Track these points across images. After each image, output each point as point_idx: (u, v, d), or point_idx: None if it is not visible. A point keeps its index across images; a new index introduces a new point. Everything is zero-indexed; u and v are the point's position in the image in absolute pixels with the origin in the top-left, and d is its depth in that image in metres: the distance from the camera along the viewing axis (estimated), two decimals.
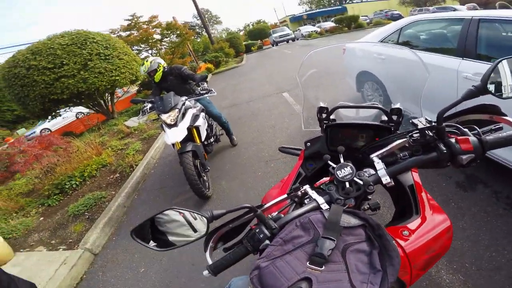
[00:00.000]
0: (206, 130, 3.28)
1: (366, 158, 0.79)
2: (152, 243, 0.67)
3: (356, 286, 0.50)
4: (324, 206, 0.67)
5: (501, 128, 0.71)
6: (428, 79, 0.96)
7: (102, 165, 4.50)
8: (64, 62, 6.60)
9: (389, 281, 0.52)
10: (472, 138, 0.66)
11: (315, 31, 24.37)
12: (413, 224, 0.71)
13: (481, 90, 0.65)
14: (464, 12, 2.68)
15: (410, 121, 0.73)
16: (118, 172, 4.15)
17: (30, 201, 4.07)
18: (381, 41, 3.39)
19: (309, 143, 1.00)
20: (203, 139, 3.08)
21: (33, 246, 2.92)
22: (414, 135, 0.73)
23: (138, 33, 12.74)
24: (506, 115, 0.71)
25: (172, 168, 4.06)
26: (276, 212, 0.72)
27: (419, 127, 0.71)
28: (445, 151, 0.66)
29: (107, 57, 7.35)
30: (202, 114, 3.28)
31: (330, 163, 0.76)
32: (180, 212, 0.64)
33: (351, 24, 22.17)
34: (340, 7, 41.46)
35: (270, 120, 4.85)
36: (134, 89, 10.76)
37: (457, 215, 1.93)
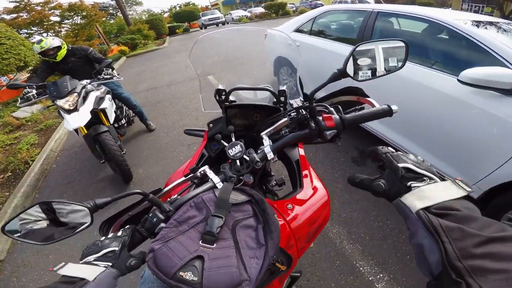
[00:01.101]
0: (115, 112, 3.14)
1: (260, 136, 0.85)
2: (29, 237, 0.61)
3: (245, 261, 0.54)
4: (220, 185, 0.70)
5: (363, 108, 0.80)
6: (300, 62, 1.26)
7: None
8: None
9: (269, 255, 0.56)
10: (335, 116, 0.74)
11: (245, 15, 24.47)
12: (295, 198, 0.79)
13: (342, 73, 0.71)
14: (368, 4, 2.93)
15: (288, 101, 0.82)
16: (10, 170, 3.41)
17: None
18: (298, 29, 3.59)
19: (211, 124, 1.02)
20: (111, 122, 2.90)
21: None
22: (292, 114, 0.80)
23: (29, 16, 10.71)
24: (368, 97, 0.84)
25: (79, 161, 3.55)
26: (176, 195, 0.74)
27: (293, 106, 0.79)
28: (314, 128, 0.74)
29: None
30: (108, 96, 3.02)
31: (223, 142, 0.80)
32: (58, 202, 0.60)
33: (279, 11, 22.92)
34: None
35: (193, 103, 4.65)
36: (24, 76, 9.06)
37: (352, 188, 2.23)
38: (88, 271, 0.53)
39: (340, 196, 2.27)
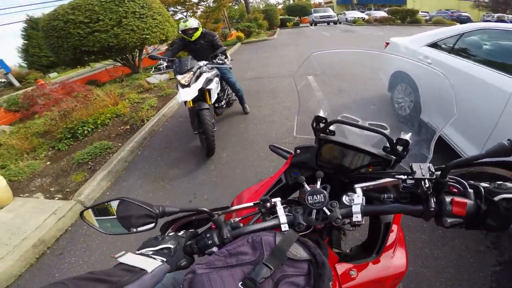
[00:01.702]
0: (218, 94, 3.53)
1: (352, 184, 0.73)
2: (100, 225, 0.69)
3: None
4: (284, 227, 0.66)
5: None
6: (453, 119, 0.79)
7: (116, 115, 4.60)
8: (100, 18, 6.92)
9: None
10: (470, 203, 0.57)
11: (362, 18, 22.90)
12: (365, 266, 0.70)
13: None
14: None
15: (410, 164, 0.63)
16: (129, 124, 4.22)
17: (43, 142, 4.24)
18: (434, 43, 2.98)
19: (299, 150, 0.93)
20: (213, 101, 3.26)
21: (33, 192, 3.00)
22: (409, 181, 0.63)
23: None
24: None
25: (180, 130, 4.07)
26: (239, 218, 0.73)
27: (416, 176, 0.60)
28: (433, 209, 0.59)
29: (142, 16, 7.58)
30: (216, 79, 3.39)
31: (305, 185, 0.71)
32: (131, 203, 0.65)
33: (406, 18, 20.24)
34: None
35: (287, 101, 4.65)
36: (164, 47, 10.91)
37: (438, 243, 1.83)
38: (146, 262, 0.58)
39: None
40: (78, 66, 8.94)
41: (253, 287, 0.53)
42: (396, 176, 0.66)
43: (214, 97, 3.26)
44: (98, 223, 0.69)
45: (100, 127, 4.31)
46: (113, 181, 3.13)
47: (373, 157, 0.81)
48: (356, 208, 0.64)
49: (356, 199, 0.65)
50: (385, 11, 24.44)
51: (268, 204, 0.73)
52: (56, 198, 2.83)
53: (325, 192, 0.66)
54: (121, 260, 0.58)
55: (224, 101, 3.87)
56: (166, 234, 0.69)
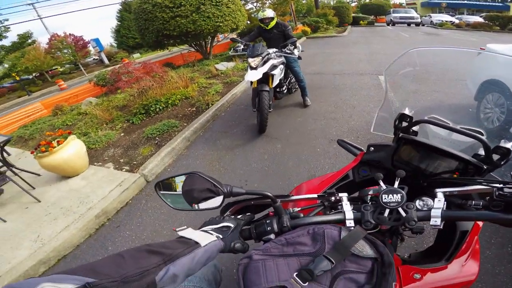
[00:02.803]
0: (280, 80, 3.83)
1: (430, 189, 0.68)
2: (169, 199, 0.70)
3: None
4: (350, 223, 0.62)
5: None
6: None
7: (185, 97, 5.00)
8: (182, 3, 7.58)
9: None
10: None
11: (451, 21, 20.37)
12: (431, 271, 0.66)
13: None
14: None
15: None
16: (196, 106, 4.54)
17: (121, 115, 4.81)
18: None
19: (372, 148, 0.88)
20: (274, 85, 3.58)
21: (105, 162, 3.34)
22: (506, 189, 0.56)
23: None
24: None
25: (240, 117, 4.21)
26: (299, 208, 0.71)
27: None
28: None
29: (217, 4, 8.04)
30: (281, 66, 3.70)
31: (381, 183, 0.66)
32: (203, 178, 0.64)
33: (508, 25, 17.13)
34: (501, 4, 32.00)
35: (352, 99, 4.39)
36: (233, 36, 11.51)
37: (504, 260, 1.64)
38: (202, 237, 0.58)
39: None
40: (158, 49, 9.94)
41: (310, 279, 0.51)
42: (491, 184, 0.59)
43: (276, 82, 3.56)
44: (165, 197, 0.70)
45: (170, 106, 4.73)
46: (174, 158, 3.37)
47: (460, 164, 0.74)
48: (436, 212, 0.58)
49: (437, 203, 0.60)
50: (481, 16, 21.11)
51: (333, 198, 0.70)
52: (124, 170, 3.06)
53: (403, 192, 0.61)
54: (181, 233, 0.59)
55: (285, 87, 4.15)
56: (225, 215, 0.70)
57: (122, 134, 4.12)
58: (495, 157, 0.69)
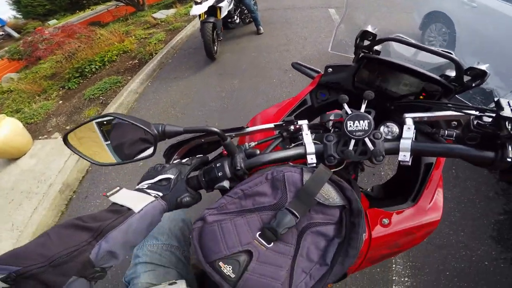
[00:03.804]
0: (230, 11, 4.11)
1: (396, 113, 0.65)
2: (88, 152, 0.59)
3: (294, 274, 0.47)
4: (311, 159, 0.56)
5: None
6: None
7: (123, 51, 4.67)
8: None
9: (327, 281, 0.47)
10: None
11: None
12: (399, 215, 0.62)
13: None
14: None
15: (495, 99, 0.50)
16: (137, 58, 4.30)
17: (52, 84, 4.42)
18: None
19: (330, 69, 0.82)
20: (222, 17, 3.85)
21: (50, 133, 3.17)
22: (485, 118, 0.50)
23: None
24: None
25: (190, 60, 4.13)
26: (255, 143, 0.64)
27: (504, 114, 0.46)
28: (510, 160, 0.47)
29: None
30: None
31: (346, 107, 0.58)
32: (124, 121, 0.53)
33: None
34: None
35: (303, 31, 4.46)
36: None
37: (449, 184, 1.81)
38: (136, 200, 0.51)
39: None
40: (78, 11, 8.83)
41: (274, 239, 0.47)
42: (468, 111, 0.53)
43: (224, 13, 3.84)
44: (85, 149, 0.59)
45: (107, 64, 4.40)
46: (125, 113, 3.26)
47: (426, 85, 0.70)
48: (405, 144, 0.52)
49: (406, 132, 0.54)
50: None
51: (292, 127, 0.64)
52: None
53: (370, 118, 0.54)
54: (113, 199, 0.51)
55: (236, 17, 4.47)
56: (170, 162, 0.62)
57: (61, 101, 3.84)
58: (468, 79, 0.66)
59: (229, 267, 0.46)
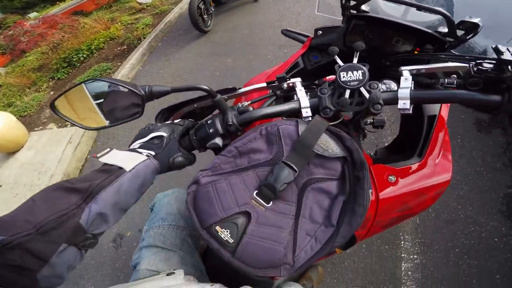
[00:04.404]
0: None
1: (392, 69, 0.66)
2: (76, 118, 0.59)
3: (298, 238, 0.44)
4: (306, 113, 0.54)
5: None
6: None
7: (110, 38, 4.63)
8: None
9: (334, 244, 0.43)
10: None
11: None
12: (407, 170, 0.59)
13: None
14: None
15: (494, 45, 0.50)
16: (126, 44, 4.27)
17: (41, 75, 4.39)
18: None
19: (320, 32, 0.83)
20: None
21: (45, 124, 3.19)
22: (486, 64, 0.49)
23: None
24: None
25: (180, 41, 4.11)
26: (248, 102, 0.62)
27: (505, 57, 0.46)
28: None
29: None
30: None
31: (337, 59, 0.57)
32: (111, 83, 0.54)
33: None
34: None
35: (296, 6, 4.41)
36: None
37: (455, 154, 1.78)
38: (128, 159, 0.49)
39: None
40: (58, 2, 8.63)
41: (273, 197, 0.45)
42: (466, 60, 0.53)
43: None
44: (72, 114, 0.59)
45: (95, 51, 4.36)
46: None
47: (418, 42, 0.70)
48: (403, 93, 0.50)
49: (404, 82, 0.52)
50: None
51: (285, 85, 0.62)
52: (68, 125, 2.95)
53: (364, 68, 0.53)
54: (103, 159, 0.49)
55: None
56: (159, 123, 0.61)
57: (52, 92, 3.85)
58: (459, 33, 0.66)
59: (227, 231, 0.44)
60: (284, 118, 0.56)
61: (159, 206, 0.83)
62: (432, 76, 0.61)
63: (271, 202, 0.46)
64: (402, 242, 1.51)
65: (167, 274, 0.56)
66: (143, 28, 4.58)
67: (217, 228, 0.44)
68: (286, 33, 1.09)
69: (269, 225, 0.45)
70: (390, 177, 0.58)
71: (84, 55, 4.28)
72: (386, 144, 0.84)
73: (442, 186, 0.60)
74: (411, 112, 0.51)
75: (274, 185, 0.44)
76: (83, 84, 0.56)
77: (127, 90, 0.53)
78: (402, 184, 0.58)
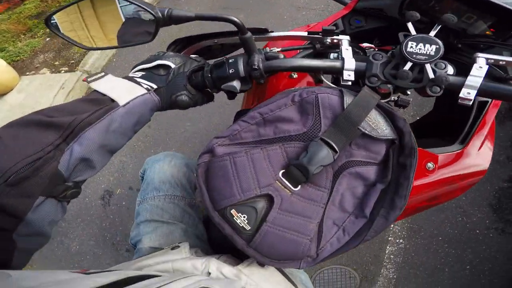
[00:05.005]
0: None
1: (462, 52, 0.56)
2: (76, 36, 0.52)
3: (324, 228, 0.39)
4: (349, 76, 0.46)
5: None
6: None
7: None
8: None
9: (365, 238, 0.39)
10: None
11: None
12: (447, 158, 0.55)
13: None
14: None
15: None
16: None
17: (38, 22, 4.23)
18: None
19: None
20: None
21: (38, 68, 3.13)
22: None
23: None
24: None
25: None
26: (279, 49, 0.54)
27: None
28: None
29: None
30: None
31: (411, 27, 0.47)
32: (124, 1, 0.47)
33: None
34: None
35: None
36: None
37: None
38: (124, 91, 0.42)
39: None
40: None
41: (303, 180, 0.39)
42: None
43: None
44: (72, 32, 0.53)
45: None
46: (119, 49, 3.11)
47: (497, 21, 0.58)
48: (473, 81, 0.43)
49: (478, 70, 0.44)
50: None
51: (329, 40, 0.53)
52: (62, 71, 2.93)
53: (440, 43, 0.44)
54: (94, 86, 0.42)
55: None
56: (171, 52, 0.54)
57: (48, 39, 3.72)
58: None
59: (244, 216, 0.39)
60: (320, 79, 0.51)
61: (150, 173, 0.75)
62: (505, 70, 0.54)
63: (299, 186, 0.40)
64: (393, 225, 1.53)
65: (172, 248, 0.53)
66: None
67: (233, 211, 0.39)
68: None
69: (294, 213, 0.39)
70: (428, 164, 0.54)
71: None
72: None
73: (478, 175, 0.58)
74: (470, 104, 0.45)
75: (308, 167, 0.38)
76: (70, 6, 0.49)
77: (142, 10, 0.46)
78: (439, 173, 0.55)
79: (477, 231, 1.49)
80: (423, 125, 0.76)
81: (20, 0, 5.05)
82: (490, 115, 0.60)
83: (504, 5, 0.55)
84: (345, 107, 0.40)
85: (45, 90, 2.68)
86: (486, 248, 1.44)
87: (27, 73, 3.08)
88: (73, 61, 3.04)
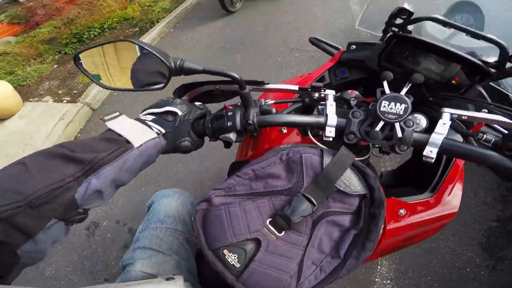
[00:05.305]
0: None
1: (431, 105, 0.63)
2: (97, 74, 0.59)
3: (304, 266, 0.45)
4: (330, 132, 0.52)
5: None
6: None
7: (124, 19, 4.68)
8: None
9: (339, 276, 0.45)
10: None
11: None
12: (418, 206, 0.61)
13: None
14: None
15: None
16: (138, 26, 4.31)
17: (49, 48, 4.46)
18: None
19: (354, 46, 0.79)
20: None
21: (42, 96, 3.23)
22: None
23: None
24: None
25: (192, 31, 4.10)
26: (272, 101, 0.61)
27: None
28: None
29: None
30: None
31: (386, 86, 0.53)
32: (142, 48, 0.51)
33: None
34: None
35: (315, 9, 4.33)
36: None
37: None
38: (138, 132, 0.46)
39: None
40: None
41: (286, 228, 0.45)
42: None
43: None
44: (95, 71, 0.59)
45: (107, 30, 4.42)
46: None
47: (460, 70, 0.66)
48: (436, 139, 0.47)
49: (441, 127, 0.48)
50: None
51: (317, 94, 0.60)
52: (64, 101, 3.00)
53: (409, 102, 0.49)
54: (110, 125, 0.46)
55: None
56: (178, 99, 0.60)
57: (56, 65, 3.90)
58: (509, 66, 0.62)
59: (234, 256, 0.44)
60: (310, 139, 0.57)
61: (158, 206, 0.82)
62: (469, 125, 0.58)
63: (283, 232, 0.46)
64: (379, 267, 1.52)
65: (167, 279, 0.55)
66: (159, 12, 4.64)
67: (225, 251, 0.45)
68: (314, 41, 1.04)
69: (278, 254, 0.45)
70: (400, 210, 0.59)
71: (96, 33, 4.33)
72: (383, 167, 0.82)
73: (448, 218, 0.62)
74: (433, 161, 0.48)
75: (291, 217, 0.44)
76: (111, 43, 0.55)
77: (157, 59, 0.50)
78: (411, 218, 0.60)
79: (468, 269, 1.48)
80: (402, 171, 0.81)
81: (36, 24, 5.37)
82: (460, 162, 0.65)
83: (462, 54, 0.63)
84: (324, 167, 0.46)
85: (46, 119, 2.73)
86: (478, 286, 1.43)
87: (31, 99, 3.17)
88: (76, 91, 3.13)
